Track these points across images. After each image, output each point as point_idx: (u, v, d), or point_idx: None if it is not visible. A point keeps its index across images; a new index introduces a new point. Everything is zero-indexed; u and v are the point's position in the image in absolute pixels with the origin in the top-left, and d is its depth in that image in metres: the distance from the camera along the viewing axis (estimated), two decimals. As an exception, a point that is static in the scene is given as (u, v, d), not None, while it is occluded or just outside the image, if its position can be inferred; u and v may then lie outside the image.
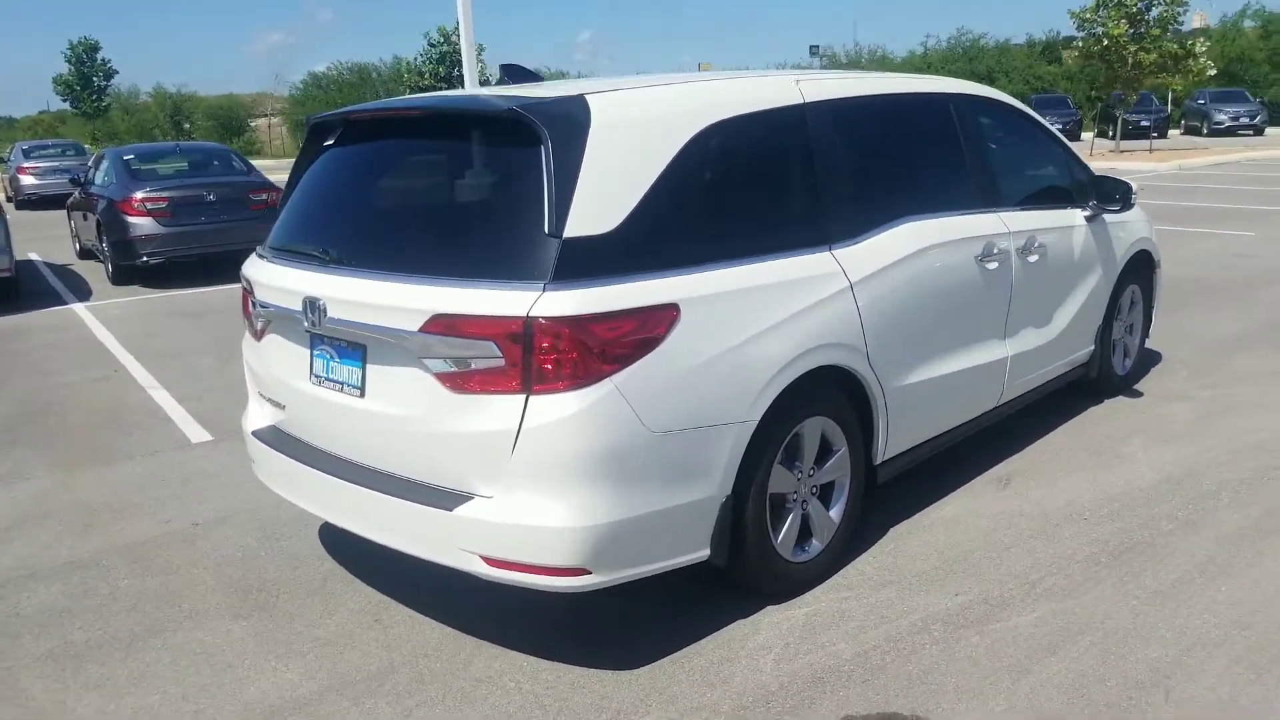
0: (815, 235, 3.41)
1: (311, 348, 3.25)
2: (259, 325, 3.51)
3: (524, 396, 2.71)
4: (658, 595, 3.35)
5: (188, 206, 10.65)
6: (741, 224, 3.24)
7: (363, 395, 3.07)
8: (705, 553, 3.07)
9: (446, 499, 2.88)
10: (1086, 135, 34.14)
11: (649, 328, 2.80)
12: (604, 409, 2.71)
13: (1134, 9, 26.28)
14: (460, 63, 29.00)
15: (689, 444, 2.92)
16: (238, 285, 3.75)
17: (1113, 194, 4.90)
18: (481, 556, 2.83)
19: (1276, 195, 15.56)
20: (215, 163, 12.10)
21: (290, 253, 3.36)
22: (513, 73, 3.84)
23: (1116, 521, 3.96)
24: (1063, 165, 4.98)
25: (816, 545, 3.50)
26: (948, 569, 3.62)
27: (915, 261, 3.74)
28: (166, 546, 4.11)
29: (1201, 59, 25.83)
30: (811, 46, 38.53)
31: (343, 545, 3.99)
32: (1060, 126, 28.77)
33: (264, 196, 11.12)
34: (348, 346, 3.11)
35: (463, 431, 2.81)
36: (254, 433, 3.60)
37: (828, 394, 3.41)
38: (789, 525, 3.38)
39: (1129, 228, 5.40)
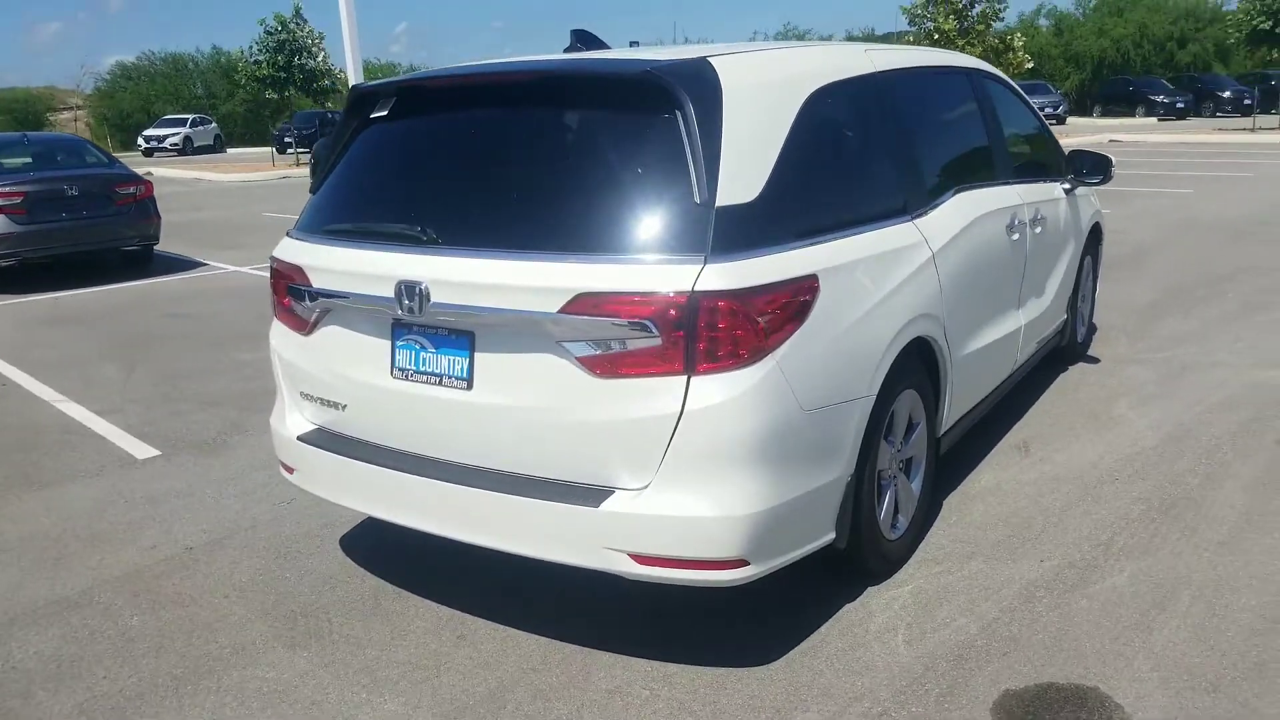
0: (899, 205, 3.35)
1: (394, 338, 2.91)
2: (311, 316, 3.12)
3: (685, 378, 2.50)
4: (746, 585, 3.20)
5: (46, 202, 9.54)
6: (850, 192, 3.14)
7: (470, 388, 2.77)
8: (832, 535, 2.94)
9: (587, 495, 2.63)
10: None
11: (799, 300, 2.66)
12: (767, 388, 2.55)
13: (959, 5, 27.89)
14: (300, 51, 27.66)
15: (829, 421, 2.80)
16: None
17: (1095, 167, 5.08)
18: (630, 554, 2.60)
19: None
20: (67, 155, 10.90)
21: (362, 235, 2.99)
22: (585, 39, 3.57)
23: (1146, 480, 4.10)
24: (1045, 138, 5.13)
25: (903, 521, 3.44)
26: (1019, 536, 3.64)
27: (971, 232, 3.74)
28: (166, 576, 3.62)
29: (1020, 53, 27.65)
30: (631, 42, 38.97)
31: (376, 559, 3.63)
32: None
33: (132, 190, 10.12)
34: (448, 335, 2.79)
35: (609, 419, 2.57)
36: (299, 437, 3.21)
37: (915, 366, 3.35)
38: (888, 502, 3.30)
39: (1088, 200, 5.63)
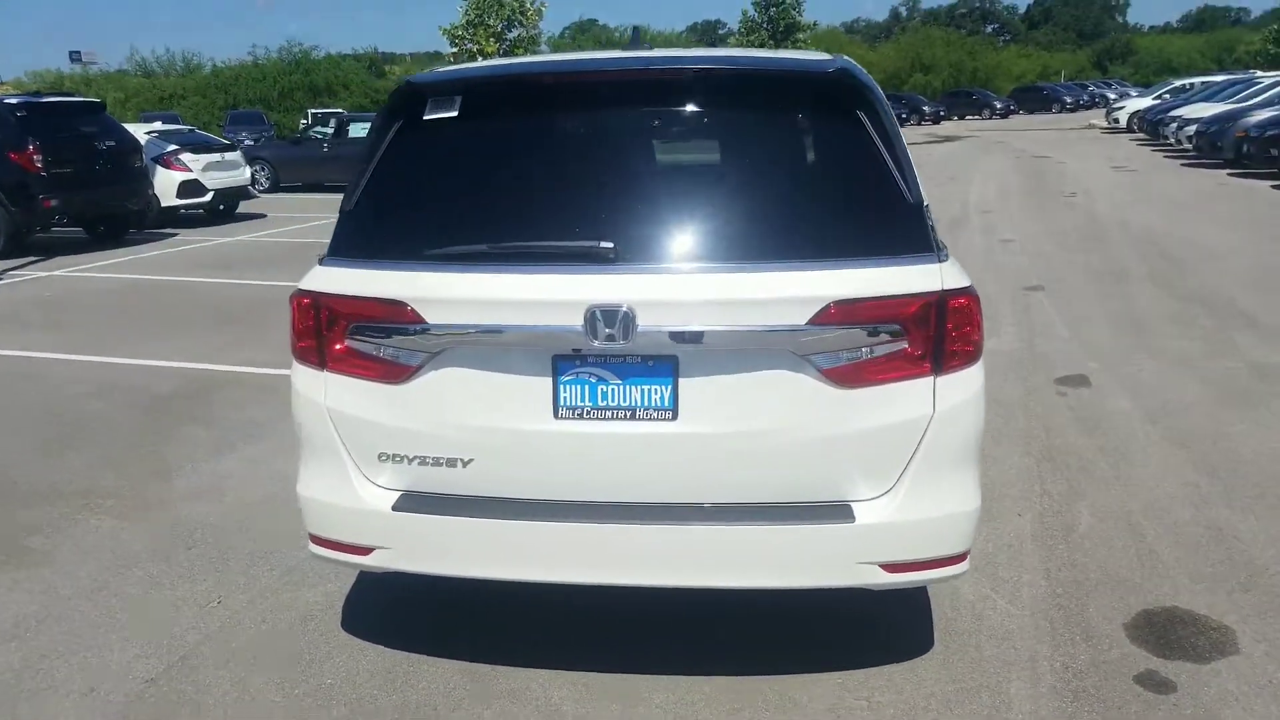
0: None
1: (556, 374, 2.52)
2: (415, 360, 2.57)
3: (932, 379, 2.52)
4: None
5: None
6: None
7: (675, 417, 2.50)
8: None
9: (829, 512, 2.53)
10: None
11: None
12: (983, 383, 2.65)
13: (497, 29, 29.07)
14: None
15: None
16: None
17: None
18: (881, 565, 2.55)
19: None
20: None
21: (505, 257, 2.52)
22: (636, 39, 3.26)
23: (1009, 441, 4.83)
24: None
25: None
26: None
27: None
28: (165, 718, 2.74)
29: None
30: (72, 52, 36.21)
31: (416, 637, 3.09)
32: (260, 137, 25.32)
33: None
34: (642, 362, 2.49)
35: (853, 430, 2.50)
36: (395, 507, 2.63)
37: None
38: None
39: None
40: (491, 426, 2.57)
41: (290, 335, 2.75)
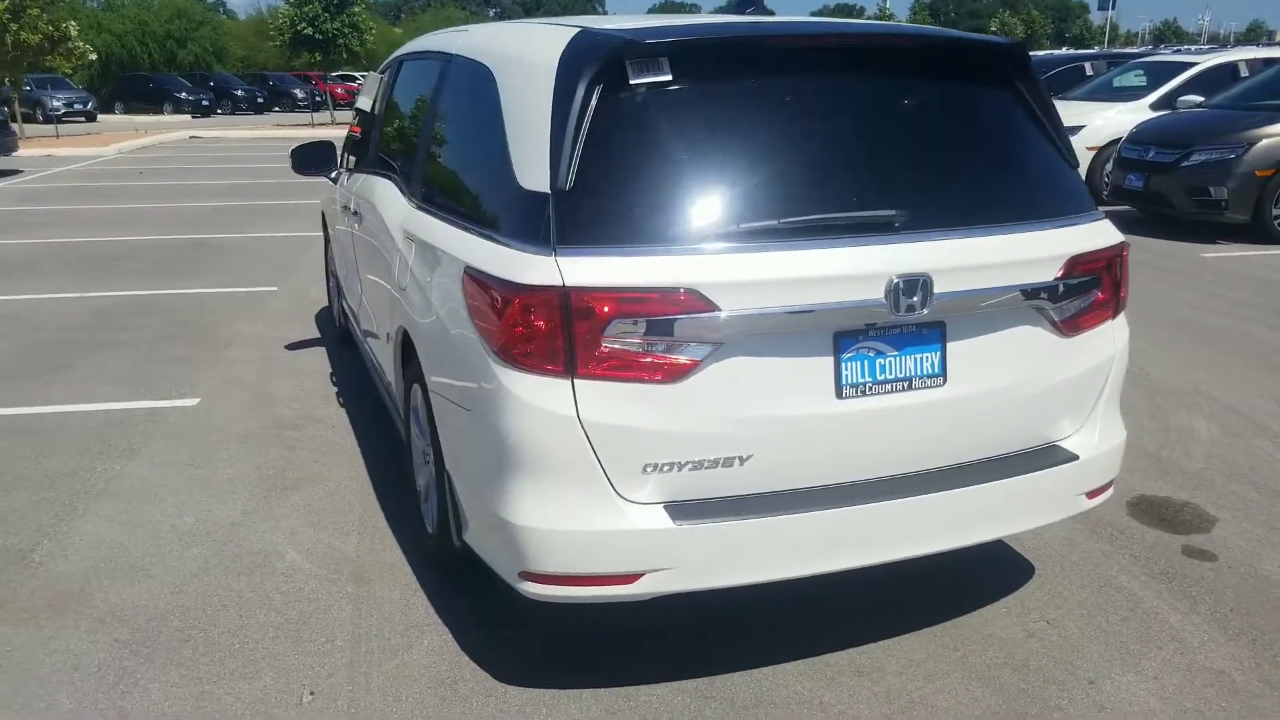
0: None
1: (838, 351, 2.42)
2: (700, 354, 2.30)
3: (1112, 321, 2.83)
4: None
5: None
6: None
7: (944, 382, 2.54)
8: None
9: (1055, 454, 2.76)
10: None
11: None
12: None
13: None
14: None
15: None
16: None
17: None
18: (1086, 494, 2.83)
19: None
20: None
21: (785, 234, 2.34)
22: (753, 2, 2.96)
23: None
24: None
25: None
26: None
27: None
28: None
29: (80, 43, 25.39)
30: None
31: (543, 675, 2.77)
32: None
33: None
34: (915, 331, 2.49)
35: (1070, 376, 2.74)
36: (676, 521, 2.35)
37: None
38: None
39: None
40: (774, 416, 2.41)
41: (501, 340, 2.33)
